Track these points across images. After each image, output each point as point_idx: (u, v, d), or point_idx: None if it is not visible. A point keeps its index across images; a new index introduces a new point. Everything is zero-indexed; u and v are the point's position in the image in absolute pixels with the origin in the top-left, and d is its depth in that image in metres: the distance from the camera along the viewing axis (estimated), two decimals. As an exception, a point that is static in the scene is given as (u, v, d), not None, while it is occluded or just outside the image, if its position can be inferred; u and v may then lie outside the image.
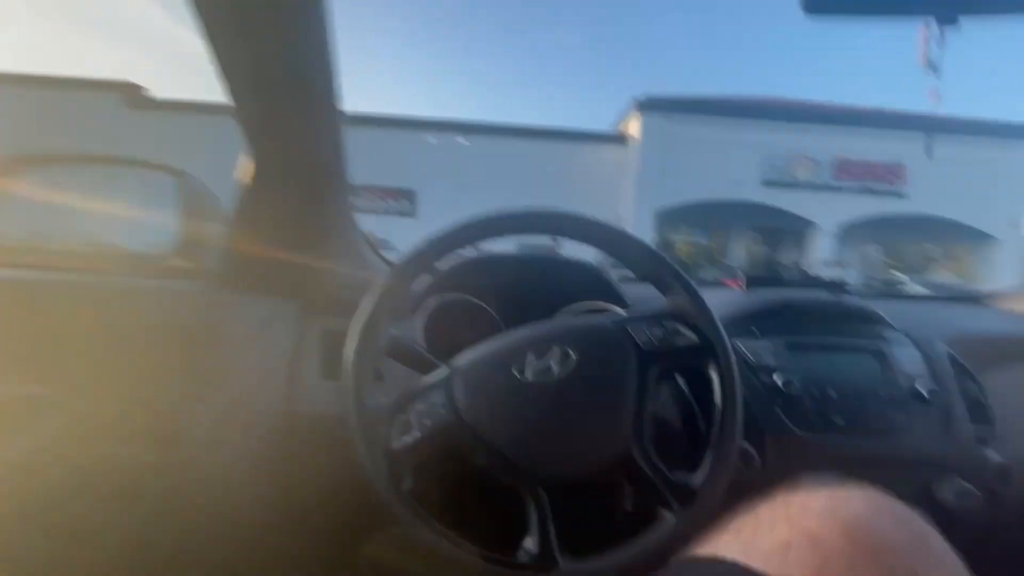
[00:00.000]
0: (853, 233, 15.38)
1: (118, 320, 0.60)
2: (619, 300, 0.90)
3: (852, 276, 14.52)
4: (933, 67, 0.66)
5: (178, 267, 0.80)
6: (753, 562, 0.30)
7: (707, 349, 0.59)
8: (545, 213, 0.66)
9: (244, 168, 0.76)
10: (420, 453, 0.54)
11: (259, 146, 0.73)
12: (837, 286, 1.01)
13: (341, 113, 0.76)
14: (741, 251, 17.21)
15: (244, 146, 0.74)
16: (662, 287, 0.65)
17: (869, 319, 0.90)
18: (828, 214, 15.31)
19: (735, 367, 0.59)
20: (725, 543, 0.34)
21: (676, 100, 15.87)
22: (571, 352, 0.57)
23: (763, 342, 0.82)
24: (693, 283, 0.63)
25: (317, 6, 0.60)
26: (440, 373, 0.59)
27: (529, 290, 0.91)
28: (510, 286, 0.91)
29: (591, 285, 0.93)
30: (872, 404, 0.76)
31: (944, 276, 15.19)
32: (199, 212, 0.84)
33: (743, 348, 0.82)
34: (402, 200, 16.32)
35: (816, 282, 1.02)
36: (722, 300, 0.94)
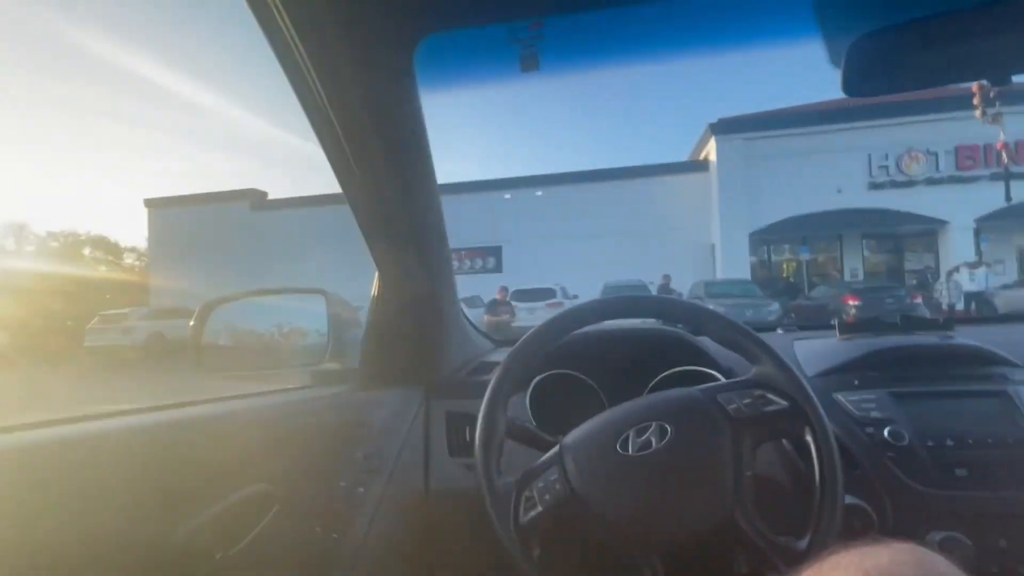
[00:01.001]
0: (995, 226, 13.26)
1: (306, 425, 0.77)
2: (711, 362, 0.94)
3: (1008, 273, 12.42)
4: (994, 120, 0.66)
5: (331, 369, 0.98)
6: None
7: (798, 414, 0.60)
8: (639, 300, 0.73)
9: (376, 286, 0.95)
10: (544, 526, 0.61)
11: (386, 271, 0.91)
12: (942, 326, 0.95)
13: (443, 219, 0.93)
14: (857, 263, 15.55)
15: (378, 275, 0.93)
16: (749, 356, 0.68)
17: (985, 360, 0.84)
18: (959, 208, 13.41)
19: (829, 430, 0.59)
20: None
21: (750, 118, 15.27)
22: (667, 426, 0.61)
23: (867, 394, 0.80)
24: (777, 351, 0.65)
25: (423, 151, 0.76)
26: (553, 451, 0.67)
27: (626, 361, 0.98)
28: (608, 358, 0.98)
29: (683, 351, 0.97)
30: (998, 452, 0.71)
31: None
32: (341, 320, 1.04)
33: (845, 402, 0.79)
34: (488, 258, 17.13)
35: (918, 324, 0.96)
36: (817, 352, 0.94)
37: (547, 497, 0.62)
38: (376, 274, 0.96)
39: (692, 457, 0.60)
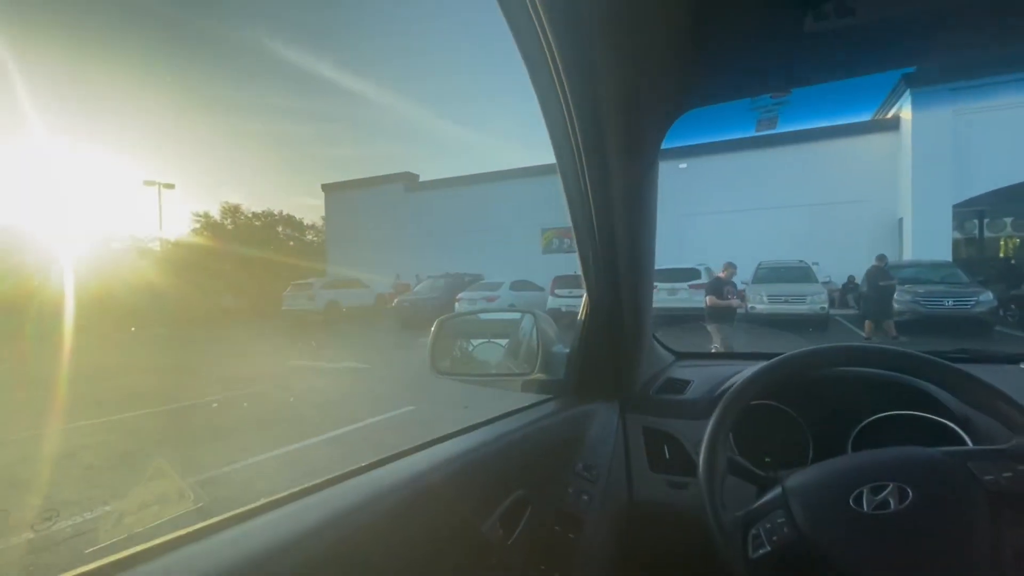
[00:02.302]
0: None
1: (543, 440, 0.86)
2: (942, 409, 0.87)
3: None
4: None
5: (540, 380, 1.13)
6: None
7: None
8: (886, 352, 0.72)
9: (584, 306, 1.06)
10: (773, 564, 0.65)
11: (597, 295, 1.01)
12: None
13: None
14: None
15: (587, 297, 1.03)
16: (1008, 423, 0.64)
17: None
18: None
19: None
20: None
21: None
22: (909, 490, 0.60)
23: None
24: None
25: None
26: (775, 492, 0.70)
27: (832, 393, 0.94)
28: (812, 390, 0.96)
29: (901, 390, 0.91)
30: None
31: None
32: (547, 336, 1.18)
33: None
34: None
35: None
36: None
37: (775, 538, 0.66)
38: (584, 296, 1.06)
39: (939, 529, 0.59)
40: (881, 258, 8.49)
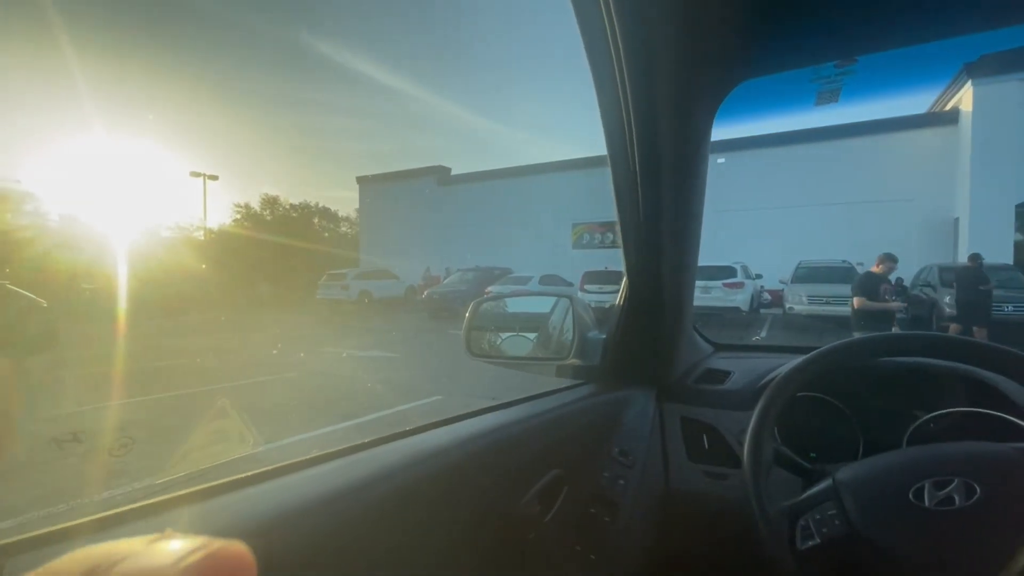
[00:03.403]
0: None
1: (580, 422, 0.84)
2: (1010, 405, 0.82)
3: None
4: None
5: (576, 365, 1.12)
6: None
7: None
8: (944, 340, 0.68)
9: (623, 290, 1.04)
10: (822, 557, 0.63)
11: (636, 279, 0.99)
12: None
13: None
14: None
15: (627, 280, 1.01)
16: None
17: None
18: None
19: None
20: None
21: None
22: (976, 486, 0.58)
23: None
24: None
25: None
26: (825, 484, 0.68)
27: (883, 388, 0.90)
28: (861, 382, 0.93)
29: (960, 385, 0.86)
30: None
31: None
32: (583, 321, 1.16)
33: None
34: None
35: None
36: None
37: (824, 530, 0.64)
38: (624, 279, 1.04)
39: (1009, 526, 0.56)
40: (974, 258, 7.30)
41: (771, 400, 0.74)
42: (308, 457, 0.53)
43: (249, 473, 0.48)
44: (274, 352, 8.14)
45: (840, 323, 8.76)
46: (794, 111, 0.72)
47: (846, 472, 0.68)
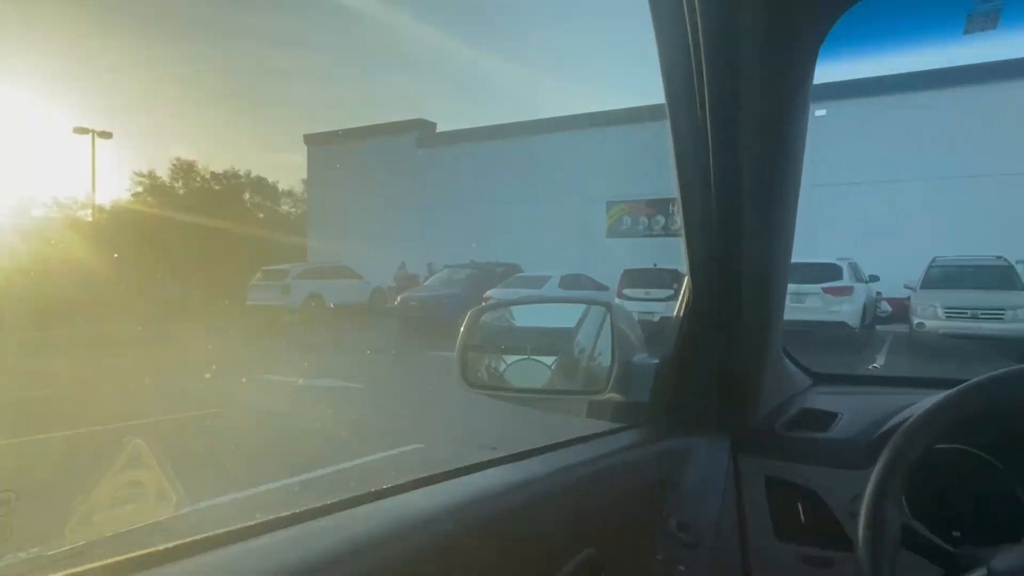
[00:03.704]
0: None
1: (618, 483, 0.89)
2: None
3: None
4: None
5: (616, 402, 1.12)
6: None
7: None
8: None
9: (684, 297, 1.04)
10: None
11: (701, 281, 0.99)
12: None
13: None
14: None
15: (689, 281, 1.01)
16: None
17: None
18: None
19: None
20: None
21: None
22: None
23: None
24: None
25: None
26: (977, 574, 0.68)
27: None
28: (1018, 429, 0.93)
29: None
30: None
31: None
32: (627, 340, 1.16)
33: None
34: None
35: None
36: None
37: None
38: (685, 281, 1.04)
39: None
40: None
41: (898, 454, 0.75)
42: (245, 526, 0.53)
43: (170, 544, 0.49)
44: (173, 379, 8.21)
45: (994, 346, 8.70)
46: (932, 41, 0.71)
47: (1006, 560, 0.68)
